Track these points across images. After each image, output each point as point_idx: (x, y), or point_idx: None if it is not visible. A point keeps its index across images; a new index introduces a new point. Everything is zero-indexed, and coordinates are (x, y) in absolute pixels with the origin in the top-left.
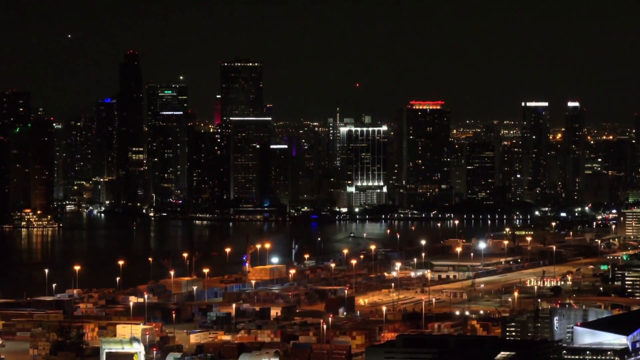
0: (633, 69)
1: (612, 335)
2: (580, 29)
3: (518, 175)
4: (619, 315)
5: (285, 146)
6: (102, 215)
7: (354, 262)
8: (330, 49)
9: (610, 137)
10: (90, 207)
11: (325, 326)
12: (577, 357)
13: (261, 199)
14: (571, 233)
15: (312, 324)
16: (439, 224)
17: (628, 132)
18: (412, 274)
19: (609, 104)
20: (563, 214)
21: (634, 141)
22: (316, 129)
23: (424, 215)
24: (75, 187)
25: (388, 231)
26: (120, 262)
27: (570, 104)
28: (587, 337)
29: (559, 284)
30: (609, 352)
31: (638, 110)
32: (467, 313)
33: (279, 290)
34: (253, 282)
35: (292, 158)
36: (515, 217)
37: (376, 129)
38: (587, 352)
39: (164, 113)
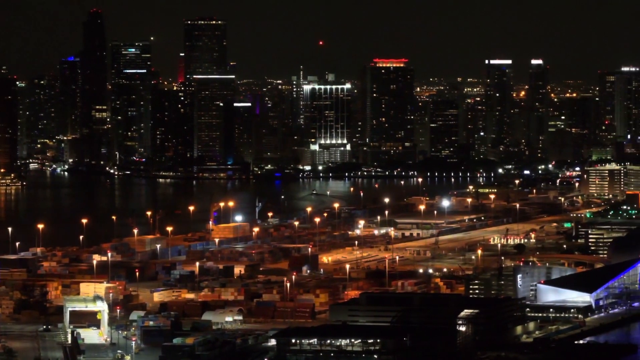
0: (597, 26)
1: (576, 293)
2: None
3: (482, 133)
4: (583, 272)
5: (249, 104)
6: (66, 173)
7: (317, 220)
8: (293, 6)
9: (574, 95)
10: (54, 166)
11: (289, 284)
12: (540, 314)
13: (225, 157)
14: (535, 191)
15: (275, 282)
16: (402, 182)
17: (592, 89)
18: (376, 231)
19: (572, 61)
20: (527, 172)
21: (597, 99)
22: (280, 87)
23: (387, 173)
24: (39, 146)
25: (352, 189)
26: (84, 221)
27: (534, 61)
28: (551, 295)
29: (522, 242)
30: (572, 310)
31: (602, 68)
32: (430, 271)
33: (242, 248)
34: (217, 240)
35: (256, 116)
36: (479, 174)
37: (340, 86)
38: (551, 309)
39: (128, 71)
